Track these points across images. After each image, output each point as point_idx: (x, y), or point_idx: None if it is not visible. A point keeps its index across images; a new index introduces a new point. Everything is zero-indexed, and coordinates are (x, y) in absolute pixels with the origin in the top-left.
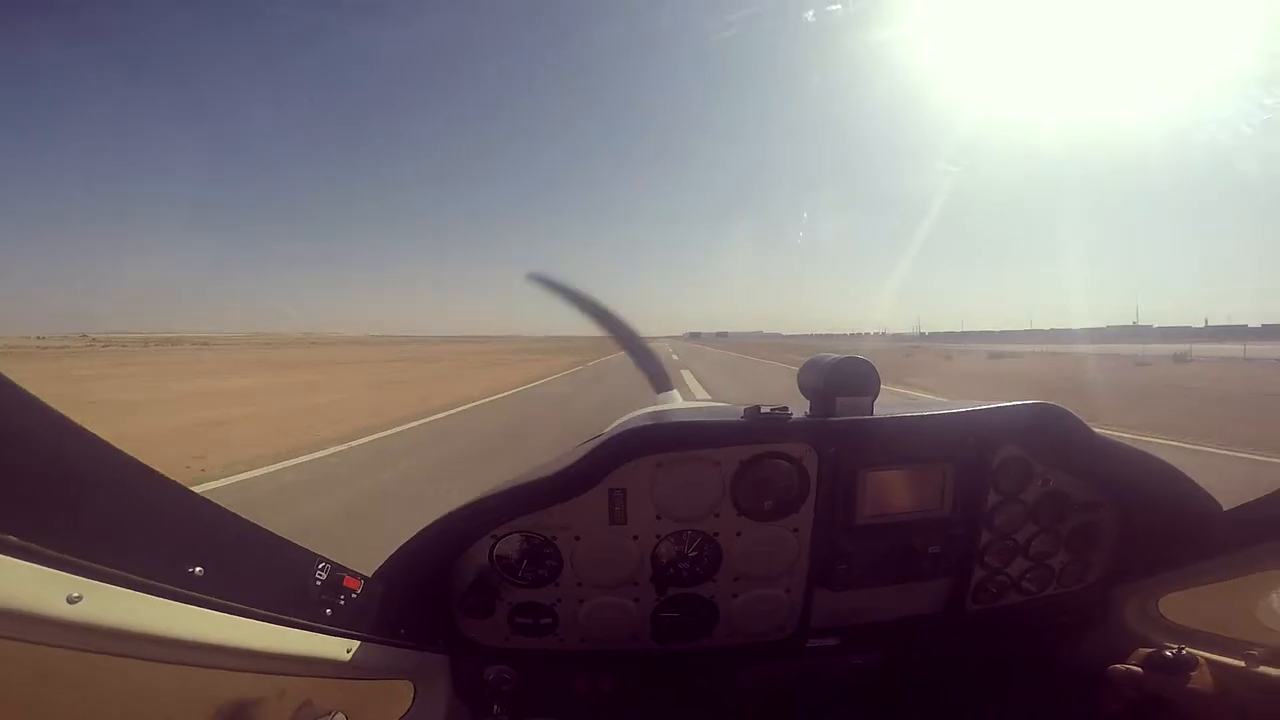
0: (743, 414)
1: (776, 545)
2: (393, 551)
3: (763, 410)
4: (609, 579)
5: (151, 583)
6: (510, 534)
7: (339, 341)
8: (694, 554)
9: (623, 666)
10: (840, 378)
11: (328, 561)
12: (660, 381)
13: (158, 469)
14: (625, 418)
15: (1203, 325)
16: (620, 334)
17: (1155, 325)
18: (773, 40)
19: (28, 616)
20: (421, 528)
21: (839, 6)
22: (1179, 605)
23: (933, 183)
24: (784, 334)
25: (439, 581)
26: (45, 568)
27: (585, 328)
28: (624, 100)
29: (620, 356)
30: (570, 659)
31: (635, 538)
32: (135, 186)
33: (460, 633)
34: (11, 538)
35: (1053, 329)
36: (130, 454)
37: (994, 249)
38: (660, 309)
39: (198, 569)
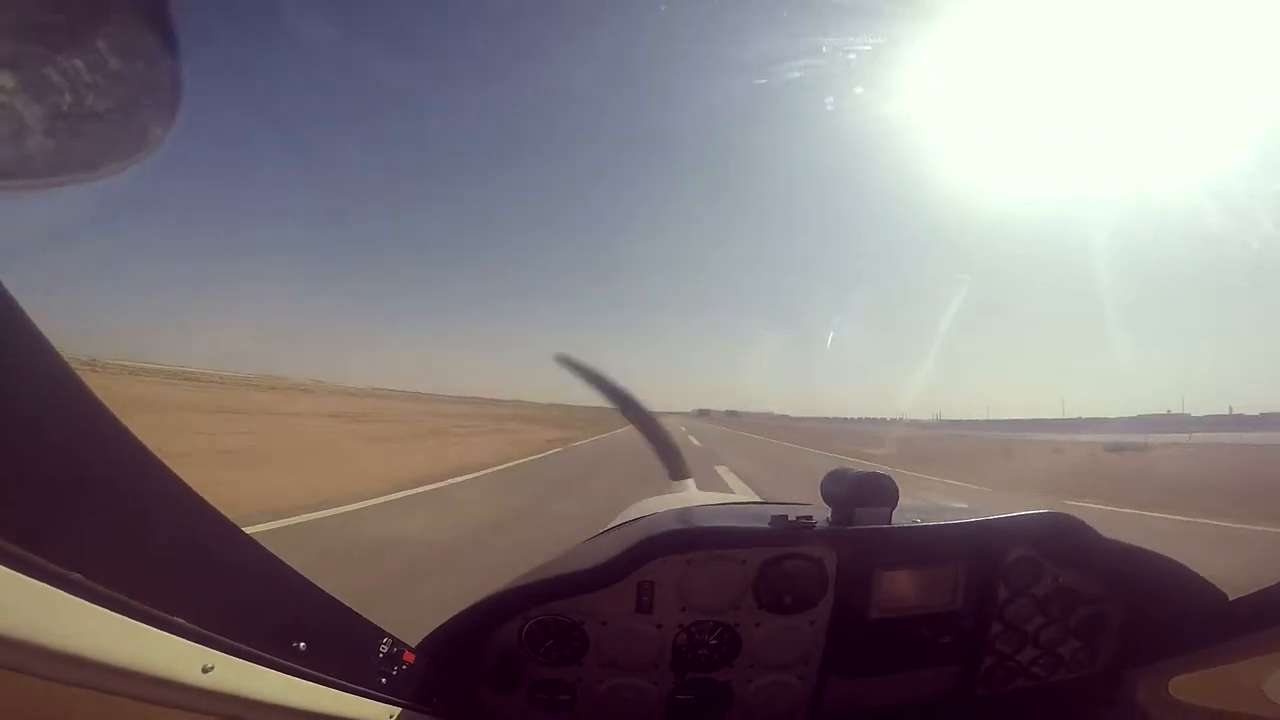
0: (770, 522)
1: (793, 635)
2: (438, 625)
3: (789, 519)
4: (631, 662)
5: (271, 657)
6: (542, 616)
7: (335, 391)
8: (714, 642)
9: None
10: (861, 490)
11: (390, 636)
12: (677, 469)
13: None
14: (645, 506)
15: (1228, 413)
16: (640, 419)
17: (1193, 414)
18: (790, 130)
19: (166, 682)
20: (466, 605)
21: (860, 89)
22: (1190, 686)
23: (952, 279)
24: (791, 415)
25: (470, 655)
26: (182, 639)
27: (592, 399)
28: (650, 192)
29: (612, 438)
30: None
31: (659, 626)
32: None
33: (479, 703)
34: (154, 610)
35: (1082, 417)
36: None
37: (1017, 336)
38: (670, 382)
39: (301, 644)
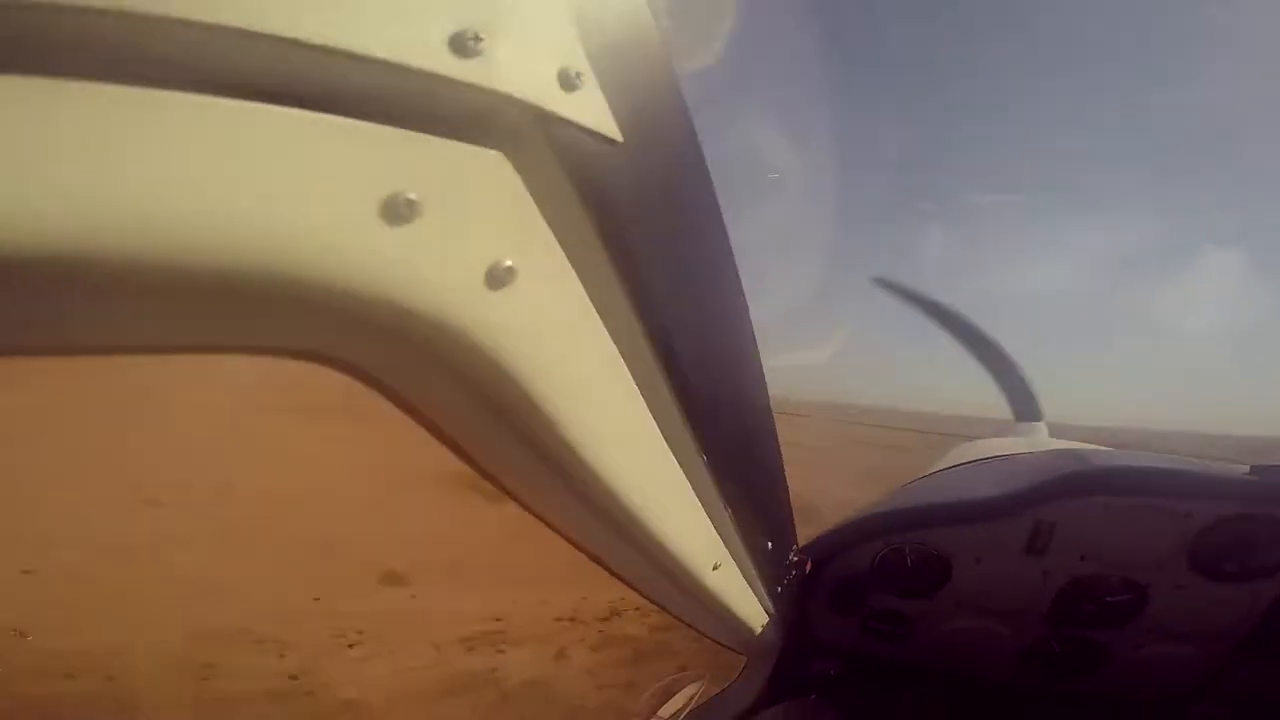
0: (1250, 469)
1: (1221, 607)
2: (819, 534)
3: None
4: (996, 606)
5: None
6: (905, 543)
7: None
8: (1111, 600)
9: (962, 697)
10: None
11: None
12: (1026, 409)
13: None
14: (981, 449)
15: None
16: (978, 344)
17: None
18: None
19: None
20: (839, 522)
21: None
22: None
23: None
24: None
25: (815, 572)
26: None
27: None
28: None
29: None
30: (905, 674)
31: (1046, 572)
32: None
33: (813, 622)
34: None
35: None
36: None
37: None
38: None
39: None
